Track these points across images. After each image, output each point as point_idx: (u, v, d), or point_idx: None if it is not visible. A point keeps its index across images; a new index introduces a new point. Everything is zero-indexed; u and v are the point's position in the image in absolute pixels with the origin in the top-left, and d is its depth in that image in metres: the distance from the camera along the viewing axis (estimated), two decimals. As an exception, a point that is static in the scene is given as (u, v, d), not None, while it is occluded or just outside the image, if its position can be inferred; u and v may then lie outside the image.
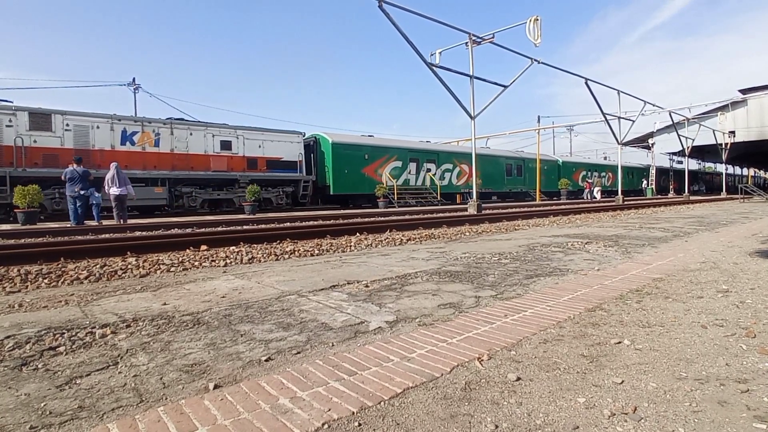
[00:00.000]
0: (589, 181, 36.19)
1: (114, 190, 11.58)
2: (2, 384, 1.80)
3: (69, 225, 10.97)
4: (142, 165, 16.38)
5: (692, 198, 30.51)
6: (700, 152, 45.82)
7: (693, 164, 57.84)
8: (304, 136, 21.29)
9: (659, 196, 37.52)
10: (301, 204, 21.28)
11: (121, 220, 11.65)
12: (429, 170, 26.62)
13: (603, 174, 42.08)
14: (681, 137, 31.78)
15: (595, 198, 32.41)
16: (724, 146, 36.23)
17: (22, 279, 4.16)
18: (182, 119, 18.15)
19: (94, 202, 12.31)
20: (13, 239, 7.73)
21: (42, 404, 1.61)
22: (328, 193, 22.09)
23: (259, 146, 19.46)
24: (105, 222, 11.71)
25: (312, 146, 22.42)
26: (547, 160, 36.12)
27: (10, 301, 3.29)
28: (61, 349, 2.19)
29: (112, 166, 11.90)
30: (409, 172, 25.55)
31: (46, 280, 4.13)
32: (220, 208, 18.80)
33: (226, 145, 18.53)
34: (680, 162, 47.65)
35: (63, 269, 4.62)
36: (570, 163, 39.54)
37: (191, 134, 17.58)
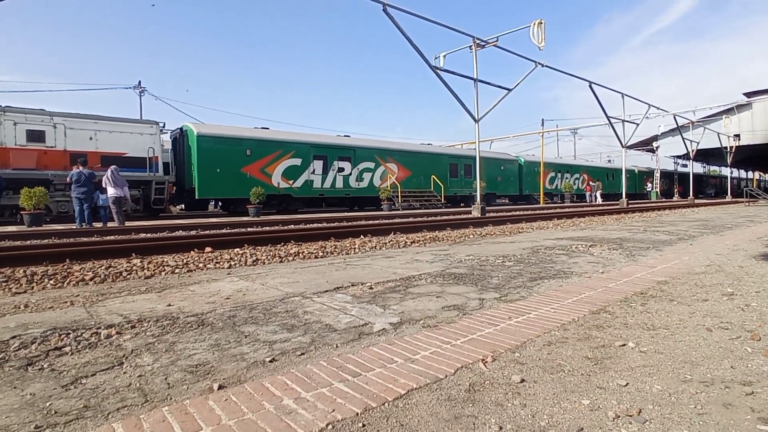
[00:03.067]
0: (591, 184, 35.85)
1: (111, 192, 11.53)
2: (8, 384, 1.81)
3: (74, 227, 11.03)
4: None
5: (697, 201, 30.37)
6: (704, 155, 45.58)
7: (698, 168, 57.57)
8: (163, 126, 17.18)
9: (664, 200, 37.36)
10: (156, 210, 17.18)
11: (119, 223, 11.64)
12: (342, 170, 21.80)
13: (577, 175, 37.52)
14: (686, 140, 31.67)
15: (597, 201, 32.15)
16: (729, 150, 36.05)
17: (28, 280, 4.19)
18: None
19: (102, 204, 12.39)
20: (19, 241, 7.78)
21: (47, 404, 1.62)
22: (194, 197, 17.75)
23: (91, 138, 15.33)
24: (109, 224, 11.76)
25: (179, 140, 18.47)
26: (502, 159, 31.22)
27: (16, 302, 3.31)
28: (67, 349, 2.21)
29: (109, 169, 11.82)
30: (313, 172, 20.71)
31: (51, 281, 4.15)
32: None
33: (36, 135, 14.43)
34: (685, 165, 47.48)
35: (68, 270, 4.64)
36: (535, 163, 33.75)
37: None
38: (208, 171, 17.55)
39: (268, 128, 21.12)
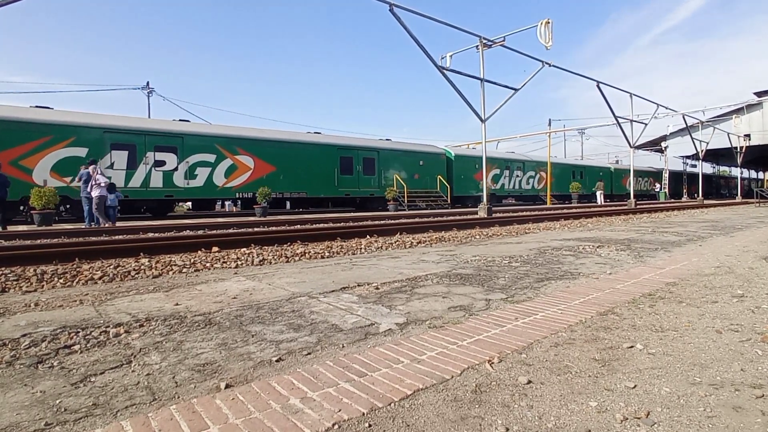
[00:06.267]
0: (598, 183, 35.21)
1: (99, 192, 11.35)
2: (19, 381, 1.83)
3: (84, 226, 11.13)
4: None
5: (706, 202, 30.07)
6: (714, 156, 45.18)
7: (707, 168, 57.02)
8: None
9: (672, 200, 37.02)
10: None
11: (107, 223, 11.36)
12: (161, 164, 16.54)
13: (531, 173, 31.95)
14: (695, 141, 31.38)
15: (598, 201, 31.61)
16: (739, 150, 35.67)
17: (38, 279, 4.23)
18: None
19: (110, 203, 12.49)
20: (30, 240, 7.86)
21: (57, 401, 1.64)
22: None
23: None
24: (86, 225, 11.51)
25: None
26: (420, 151, 25.54)
27: (27, 300, 3.35)
28: (76, 347, 2.23)
29: (98, 166, 11.61)
30: (111, 166, 15.38)
31: (61, 280, 4.19)
32: None
33: None
34: (694, 166, 47.05)
35: (78, 269, 4.69)
36: (473, 158, 27.62)
37: None
38: None
39: (51, 107, 15.67)
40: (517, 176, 31.01)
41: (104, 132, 15.53)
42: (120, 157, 15.78)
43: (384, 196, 22.79)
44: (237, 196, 18.74)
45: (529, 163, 32.34)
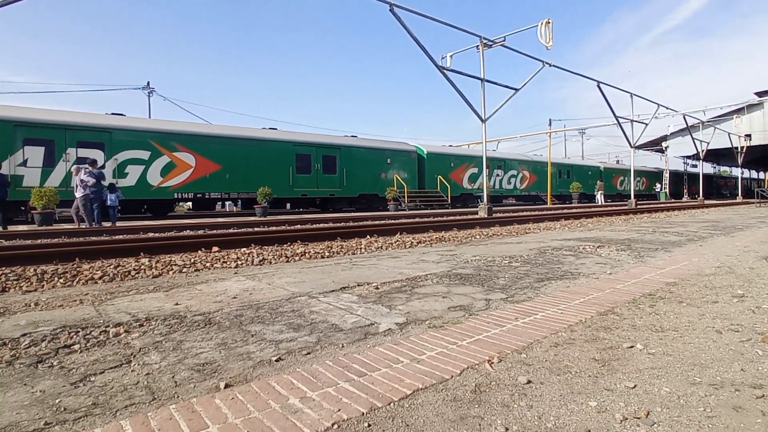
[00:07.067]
0: (599, 183, 34.96)
1: (79, 192, 11.14)
2: (18, 381, 1.83)
3: (84, 226, 11.13)
4: None
5: (707, 202, 30.02)
6: (715, 156, 45.17)
7: (708, 168, 57.00)
8: None
9: (673, 200, 36.98)
10: None
11: (93, 224, 11.14)
12: (86, 161, 13.27)
13: (513, 172, 30.17)
14: (695, 141, 31.35)
15: (599, 202, 31.39)
16: (739, 150, 35.65)
17: (39, 278, 4.23)
18: None
19: (110, 203, 12.50)
20: (30, 240, 7.87)
21: (57, 401, 1.64)
22: None
23: None
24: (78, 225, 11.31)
25: None
26: (389, 149, 23.92)
27: (27, 300, 3.35)
28: (76, 347, 2.23)
29: (82, 168, 11.38)
30: (24, 164, 13.85)
31: (61, 280, 4.19)
32: None
33: None
34: (695, 166, 47.03)
35: (78, 269, 4.69)
36: (448, 156, 26.67)
37: None
38: None
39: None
40: (498, 175, 29.14)
41: (15, 126, 13.81)
42: (35, 154, 14.08)
43: (347, 196, 21.82)
44: (175, 196, 16.95)
45: (511, 162, 30.46)
